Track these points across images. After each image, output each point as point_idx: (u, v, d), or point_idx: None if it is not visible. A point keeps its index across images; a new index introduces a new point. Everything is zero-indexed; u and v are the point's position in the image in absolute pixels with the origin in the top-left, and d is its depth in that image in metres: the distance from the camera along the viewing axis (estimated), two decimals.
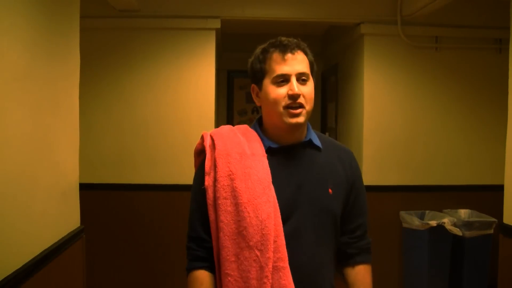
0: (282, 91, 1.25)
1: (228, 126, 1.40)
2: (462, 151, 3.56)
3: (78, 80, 2.21)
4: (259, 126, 1.39)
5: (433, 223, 3.11)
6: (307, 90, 1.26)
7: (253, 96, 1.36)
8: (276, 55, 1.28)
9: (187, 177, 3.46)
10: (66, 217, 2.06)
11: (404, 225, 3.36)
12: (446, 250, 3.22)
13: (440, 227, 3.10)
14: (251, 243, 1.20)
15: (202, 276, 1.28)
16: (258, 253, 1.19)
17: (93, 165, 3.38)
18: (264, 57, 1.30)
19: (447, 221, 3.10)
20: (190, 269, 1.31)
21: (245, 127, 1.39)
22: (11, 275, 1.48)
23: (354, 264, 1.39)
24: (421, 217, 3.39)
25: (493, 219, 3.15)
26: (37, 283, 1.68)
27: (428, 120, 3.55)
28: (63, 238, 1.97)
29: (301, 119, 1.26)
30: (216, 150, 1.29)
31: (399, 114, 3.48)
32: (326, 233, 1.32)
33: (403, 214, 3.38)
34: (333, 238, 1.34)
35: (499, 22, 2.90)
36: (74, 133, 2.17)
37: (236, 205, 1.22)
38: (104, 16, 3.35)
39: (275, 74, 1.26)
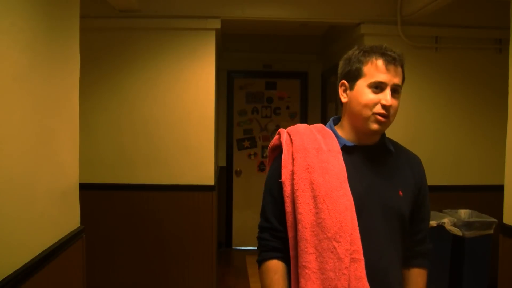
0: (375, 97, 1.29)
1: (304, 124, 1.42)
2: (462, 151, 3.56)
3: (78, 80, 2.21)
4: (334, 125, 1.43)
5: (433, 223, 3.11)
6: (396, 103, 1.31)
7: (340, 91, 1.38)
8: (380, 62, 1.29)
9: (187, 177, 3.49)
10: (66, 217, 2.06)
11: None
12: (446, 250, 3.22)
13: (440, 227, 3.10)
14: (329, 234, 1.22)
15: (277, 266, 1.32)
16: (336, 245, 1.21)
17: (93, 165, 3.38)
18: (366, 60, 1.31)
19: (447, 221, 3.10)
20: (264, 259, 1.35)
21: (320, 125, 1.43)
22: (11, 275, 1.48)
23: (410, 267, 1.42)
24: None
25: (493, 219, 3.15)
26: (37, 283, 1.68)
27: (428, 120, 3.55)
28: (63, 238, 1.97)
29: (383, 128, 1.32)
30: (294, 145, 1.33)
31: (399, 114, 3.45)
32: (394, 234, 1.34)
33: None
34: (400, 240, 1.36)
35: (499, 22, 2.89)
36: (74, 133, 2.17)
37: (314, 197, 1.25)
38: (104, 16, 3.35)
39: (374, 80, 1.29)
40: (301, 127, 1.40)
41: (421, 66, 3.52)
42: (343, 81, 1.37)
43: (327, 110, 4.85)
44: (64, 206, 2.03)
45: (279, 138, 1.41)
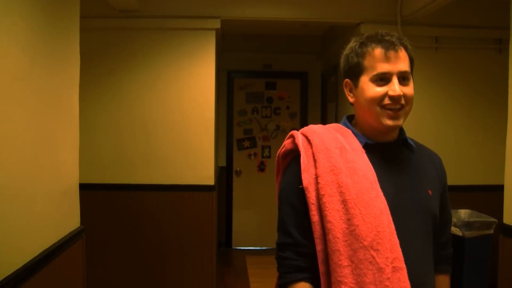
0: (381, 90, 1.16)
1: (318, 125, 1.29)
2: (461, 151, 3.57)
3: (78, 80, 2.21)
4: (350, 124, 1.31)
5: None
6: (408, 90, 1.17)
7: (346, 92, 1.27)
8: (378, 52, 1.17)
9: (187, 177, 3.49)
10: (66, 217, 2.06)
11: None
12: None
13: None
14: (365, 243, 1.08)
15: None
16: (374, 254, 1.08)
17: (93, 165, 3.38)
18: (363, 52, 1.19)
19: None
20: (288, 282, 1.17)
21: (336, 125, 1.30)
22: (11, 275, 1.48)
23: (435, 273, 1.28)
24: None
25: (493, 219, 3.15)
26: (37, 283, 1.68)
27: (429, 120, 3.55)
28: (63, 238, 1.97)
29: (400, 121, 1.18)
30: (314, 146, 1.18)
31: None
32: (428, 236, 1.22)
33: None
34: (433, 243, 1.24)
35: (499, 22, 2.89)
36: (74, 133, 2.17)
37: (344, 202, 1.11)
38: (104, 16, 3.35)
39: (375, 72, 1.16)
40: (316, 127, 1.26)
41: (421, 66, 3.51)
42: (347, 80, 1.25)
43: (327, 110, 4.86)
44: (64, 206, 2.03)
45: (293, 141, 1.25)
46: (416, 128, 3.52)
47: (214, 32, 3.48)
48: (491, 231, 3.17)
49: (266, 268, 4.30)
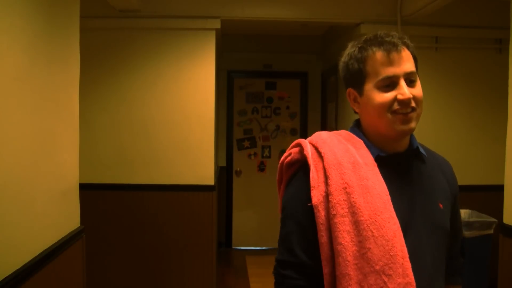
0: (390, 95, 1.09)
1: (326, 132, 1.20)
2: (462, 151, 3.57)
3: (78, 80, 2.21)
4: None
5: None
6: (417, 92, 1.12)
7: (350, 101, 1.19)
8: (379, 55, 1.10)
9: (187, 177, 3.49)
10: (66, 217, 2.06)
11: None
12: None
13: None
14: (377, 267, 1.02)
15: None
16: (386, 279, 1.01)
17: (93, 165, 3.38)
18: (364, 57, 1.12)
19: None
20: None
21: (346, 132, 1.21)
22: (11, 275, 1.49)
23: (447, 285, 1.23)
24: None
25: (493, 219, 3.15)
26: (37, 283, 1.68)
27: (428, 120, 3.55)
28: (63, 238, 1.97)
29: (413, 124, 1.12)
30: (325, 160, 1.10)
31: None
32: (440, 253, 1.16)
33: None
34: (445, 258, 1.18)
35: (499, 22, 2.90)
36: (74, 133, 2.17)
37: (356, 223, 1.04)
38: (104, 16, 3.35)
39: (381, 77, 1.09)
40: (325, 135, 1.17)
41: (421, 66, 3.45)
42: (350, 89, 1.18)
43: (327, 110, 4.86)
44: (64, 206, 2.03)
45: (300, 151, 1.16)
46: (416, 128, 3.52)
47: (214, 32, 3.48)
48: (491, 231, 3.17)
49: (266, 268, 4.29)
